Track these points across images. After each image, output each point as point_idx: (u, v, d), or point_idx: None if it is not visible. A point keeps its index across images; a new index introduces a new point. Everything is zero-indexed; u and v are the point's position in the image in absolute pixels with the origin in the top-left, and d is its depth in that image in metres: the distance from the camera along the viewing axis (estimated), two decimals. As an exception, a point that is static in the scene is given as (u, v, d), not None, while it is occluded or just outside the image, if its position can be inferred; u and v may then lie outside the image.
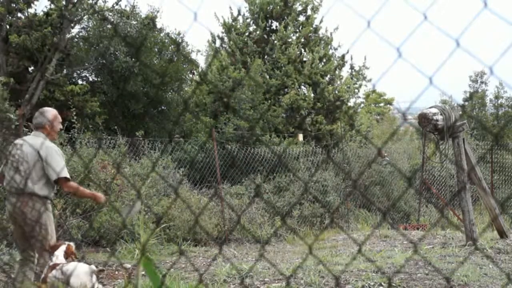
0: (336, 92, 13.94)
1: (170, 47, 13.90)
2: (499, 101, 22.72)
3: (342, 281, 4.38)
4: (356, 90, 15.65)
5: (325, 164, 11.15)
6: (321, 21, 14.65)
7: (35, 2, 11.78)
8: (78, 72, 13.35)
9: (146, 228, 6.55)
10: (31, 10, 11.85)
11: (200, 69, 16.41)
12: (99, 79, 13.34)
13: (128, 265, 5.54)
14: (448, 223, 8.63)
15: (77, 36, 13.09)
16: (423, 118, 6.18)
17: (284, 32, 13.71)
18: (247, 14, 14.55)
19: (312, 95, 13.66)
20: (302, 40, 14.15)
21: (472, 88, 23.30)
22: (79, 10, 11.61)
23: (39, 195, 3.68)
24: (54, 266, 3.23)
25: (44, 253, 3.67)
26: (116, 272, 5.16)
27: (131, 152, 8.84)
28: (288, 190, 10.25)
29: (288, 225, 9.24)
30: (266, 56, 14.06)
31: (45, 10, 12.26)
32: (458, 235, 6.92)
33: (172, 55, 13.99)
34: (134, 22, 12.85)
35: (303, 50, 14.32)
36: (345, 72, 18.10)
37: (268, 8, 14.18)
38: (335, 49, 14.95)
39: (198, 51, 17.70)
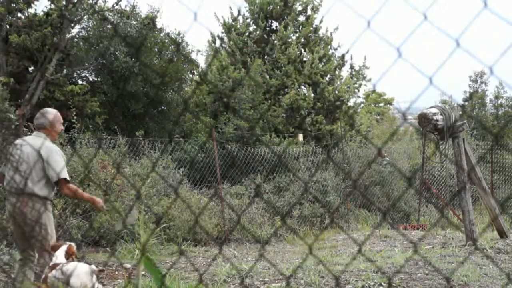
0: (336, 92, 13.94)
1: (170, 47, 13.90)
2: (499, 101, 22.73)
3: (342, 281, 4.38)
4: (356, 90, 15.67)
5: (325, 164, 11.16)
6: (321, 21, 14.66)
7: (35, 2, 11.78)
8: (78, 72, 13.35)
9: (146, 228, 6.55)
10: (31, 10, 11.86)
11: (200, 69, 16.41)
12: (99, 79, 13.34)
13: (128, 265, 5.54)
14: (448, 223, 8.62)
15: (77, 36, 13.09)
16: (423, 118, 6.18)
17: (284, 32, 13.71)
18: (247, 14, 14.55)
19: (312, 95, 13.65)
20: (302, 40, 14.15)
21: (472, 88, 23.31)
22: (79, 10, 11.61)
23: (39, 196, 3.68)
24: (54, 266, 3.23)
25: (44, 253, 3.67)
26: (116, 272, 5.17)
27: (131, 152, 8.84)
28: (288, 190, 10.25)
29: (288, 225, 9.24)
30: (266, 56, 14.06)
31: (45, 10, 12.27)
32: (458, 235, 6.92)
33: (172, 55, 13.99)
34: (134, 22, 12.85)
35: (303, 50, 14.33)
36: (345, 72, 18.15)
37: (268, 8, 14.18)
38: (335, 49, 14.96)
39: (198, 51, 17.69)
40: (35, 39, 11.19)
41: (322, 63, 14.16)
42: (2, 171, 3.88)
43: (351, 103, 15.28)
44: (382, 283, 4.21)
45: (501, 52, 1.17)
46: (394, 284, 4.23)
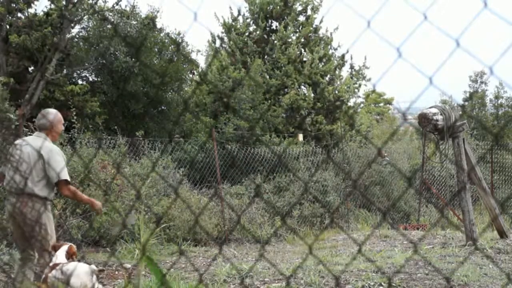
0: (336, 92, 13.94)
1: (170, 47, 13.90)
2: (499, 101, 22.73)
3: (342, 281, 4.38)
4: (356, 90, 15.65)
5: (325, 164, 11.15)
6: (321, 21, 14.66)
7: (35, 2, 11.79)
8: (78, 72, 13.35)
9: (146, 228, 6.55)
10: (31, 10, 11.87)
11: (200, 69, 16.41)
12: (99, 79, 13.34)
13: (128, 265, 5.54)
14: (448, 223, 8.62)
15: (77, 36, 13.09)
16: (423, 118, 6.18)
17: (284, 32, 13.71)
18: (247, 14, 14.55)
19: (312, 95, 13.66)
20: (302, 40, 14.15)
21: (472, 88, 23.30)
22: (79, 10, 11.61)
23: (39, 196, 3.68)
24: (54, 266, 3.23)
25: (44, 253, 3.67)
26: (116, 272, 5.16)
27: (131, 152, 8.84)
28: (288, 190, 10.25)
29: (288, 225, 9.24)
30: (266, 56, 14.06)
31: (45, 10, 12.27)
32: (458, 235, 6.92)
33: (172, 55, 14.00)
34: (134, 22, 12.85)
35: (303, 50, 14.32)
36: (345, 72, 18.13)
37: (268, 8, 14.18)
38: (335, 49, 14.96)
39: (198, 51, 17.69)
40: (35, 39, 11.20)
41: (322, 63, 14.16)
42: (2, 171, 3.88)
43: (351, 103, 15.29)
44: (382, 283, 4.21)
45: (501, 52, 1.17)
46: (394, 284, 4.23)
